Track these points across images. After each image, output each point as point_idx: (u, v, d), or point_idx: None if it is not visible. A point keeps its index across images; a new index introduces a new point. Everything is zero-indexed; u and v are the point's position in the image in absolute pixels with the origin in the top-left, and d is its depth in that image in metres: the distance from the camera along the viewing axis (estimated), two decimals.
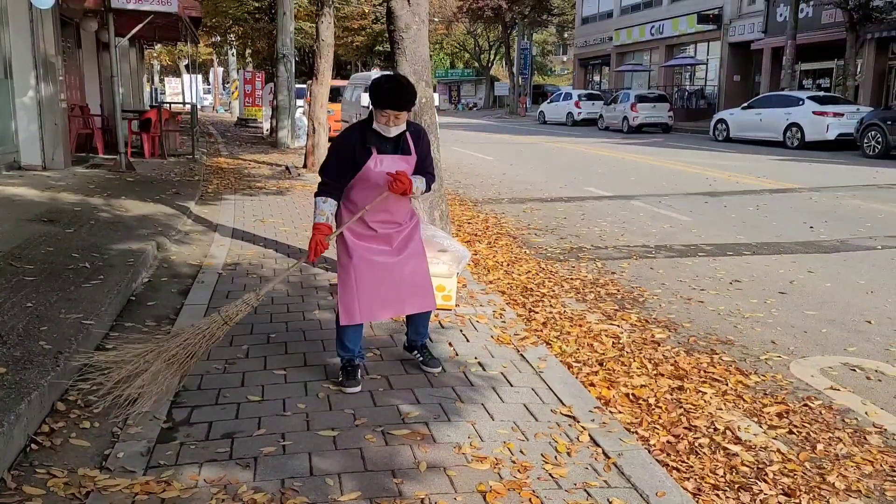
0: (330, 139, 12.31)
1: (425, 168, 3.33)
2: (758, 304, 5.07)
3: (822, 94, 20.13)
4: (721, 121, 20.82)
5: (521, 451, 2.79)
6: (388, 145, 3.21)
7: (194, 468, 2.60)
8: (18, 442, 2.65)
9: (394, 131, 3.17)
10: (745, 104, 20.40)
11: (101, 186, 8.54)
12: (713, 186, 10.97)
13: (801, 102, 18.16)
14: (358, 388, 3.30)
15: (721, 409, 3.36)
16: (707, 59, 29.75)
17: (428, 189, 3.39)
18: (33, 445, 2.71)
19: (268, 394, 3.25)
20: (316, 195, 3.24)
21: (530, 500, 2.46)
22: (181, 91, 35.33)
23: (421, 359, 3.58)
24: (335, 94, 15.63)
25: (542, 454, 2.77)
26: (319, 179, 3.25)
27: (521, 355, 3.80)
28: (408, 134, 3.25)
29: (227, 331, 3.22)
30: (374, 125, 3.18)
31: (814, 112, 17.57)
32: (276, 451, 2.73)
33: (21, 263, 4.67)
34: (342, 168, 3.20)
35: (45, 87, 9.35)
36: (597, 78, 40.19)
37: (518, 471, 2.64)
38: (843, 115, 17.24)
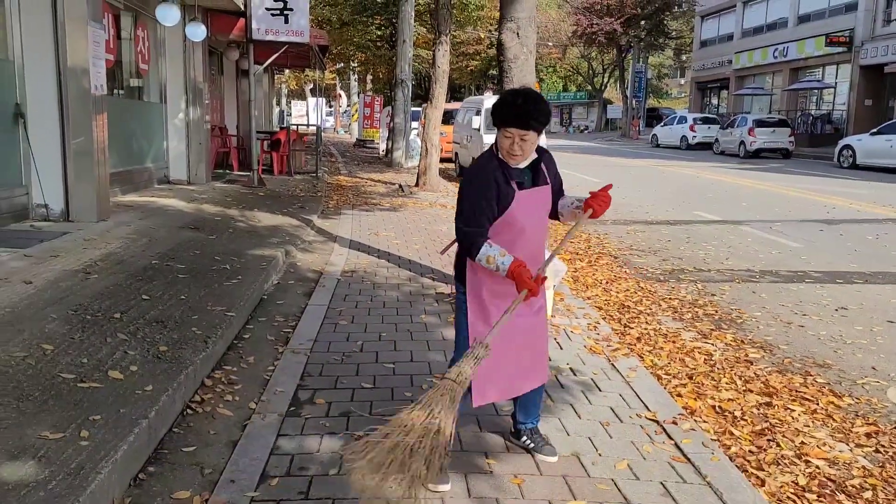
0: (441, 160, 12.83)
1: (562, 191, 2.87)
2: (863, 331, 5.01)
3: None
4: (847, 147, 19.78)
5: (604, 446, 3.04)
6: (526, 178, 2.69)
7: (316, 438, 3.05)
8: (178, 406, 3.21)
9: (519, 160, 2.63)
10: (875, 129, 19.29)
11: (237, 200, 9.48)
12: (831, 214, 10.57)
13: None
14: (448, 486, 2.64)
15: (808, 426, 3.44)
16: (836, 83, 28.26)
17: None
18: (188, 410, 3.27)
19: (378, 383, 3.67)
20: (475, 252, 2.56)
21: (609, 488, 2.71)
22: (306, 113, 37.68)
23: (532, 445, 2.95)
24: (448, 117, 16.27)
25: (623, 450, 3.01)
26: (463, 233, 2.61)
27: (612, 364, 4.03)
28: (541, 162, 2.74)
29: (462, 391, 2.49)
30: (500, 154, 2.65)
31: None
32: None
33: (174, 263, 5.42)
34: (490, 208, 2.58)
35: (193, 111, 10.51)
36: (714, 101, 39.03)
37: (600, 462, 2.90)
38: None
